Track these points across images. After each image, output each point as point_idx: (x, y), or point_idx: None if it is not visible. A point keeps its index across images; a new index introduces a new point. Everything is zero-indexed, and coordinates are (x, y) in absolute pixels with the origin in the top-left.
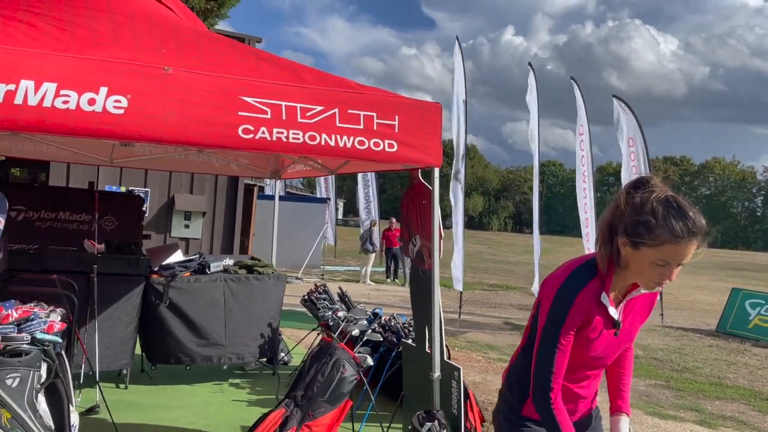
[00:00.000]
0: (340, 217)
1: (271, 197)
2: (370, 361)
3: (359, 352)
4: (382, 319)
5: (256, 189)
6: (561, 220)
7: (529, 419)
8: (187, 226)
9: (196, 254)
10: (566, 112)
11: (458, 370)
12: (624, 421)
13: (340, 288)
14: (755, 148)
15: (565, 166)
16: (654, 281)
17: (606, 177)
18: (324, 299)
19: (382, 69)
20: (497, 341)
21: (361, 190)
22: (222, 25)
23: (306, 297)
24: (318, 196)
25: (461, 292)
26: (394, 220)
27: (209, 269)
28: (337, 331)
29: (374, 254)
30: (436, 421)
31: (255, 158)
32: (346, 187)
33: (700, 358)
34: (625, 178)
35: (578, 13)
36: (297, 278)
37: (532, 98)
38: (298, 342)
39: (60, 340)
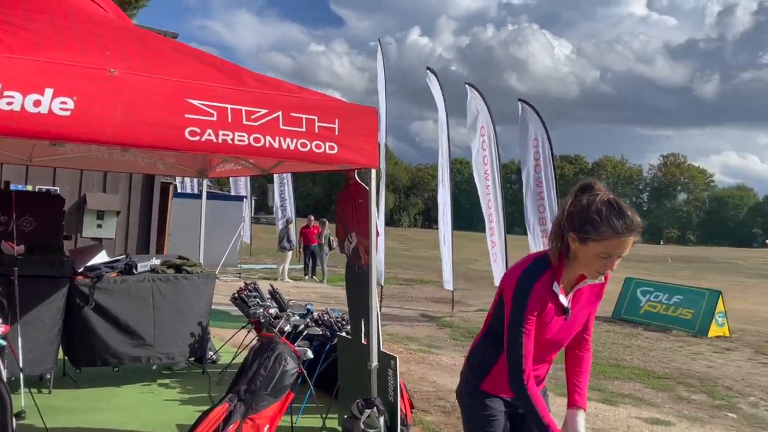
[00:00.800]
0: (251, 214)
1: (186, 195)
2: (310, 354)
3: (299, 346)
4: (315, 314)
5: (171, 187)
6: (467, 216)
7: (487, 393)
8: (99, 226)
9: (122, 254)
10: None
11: (394, 359)
12: (581, 415)
13: (271, 285)
14: (640, 148)
15: (472, 164)
16: (598, 271)
17: (509, 174)
18: (255, 297)
19: (290, 65)
20: (416, 333)
21: (277, 188)
22: (134, 20)
23: (236, 295)
24: (233, 194)
25: (381, 287)
26: (312, 217)
27: (136, 269)
28: (266, 328)
29: (291, 252)
30: (375, 407)
31: (182, 157)
32: (257, 185)
33: (600, 343)
34: (528, 176)
35: (480, 16)
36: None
37: (437, 99)
38: (227, 340)
39: (5, 343)
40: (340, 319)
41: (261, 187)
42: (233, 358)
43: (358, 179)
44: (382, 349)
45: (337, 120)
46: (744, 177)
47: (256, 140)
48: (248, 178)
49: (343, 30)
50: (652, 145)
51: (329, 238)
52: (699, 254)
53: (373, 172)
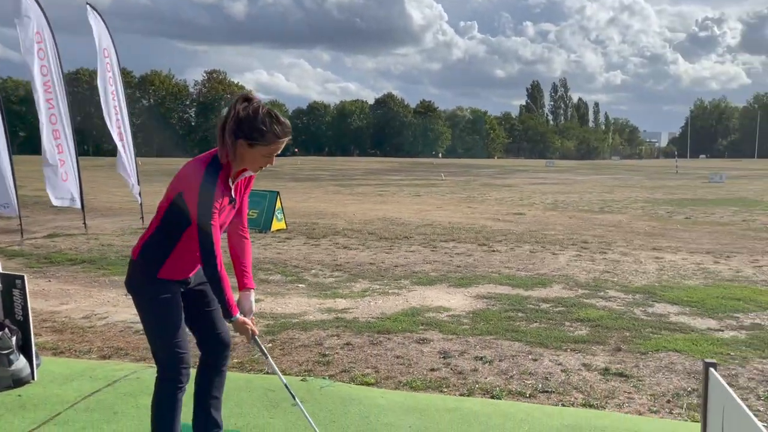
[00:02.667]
0: None
1: None
2: None
3: None
4: None
5: None
6: None
7: (164, 280)
8: None
9: None
10: None
11: (21, 278)
12: (252, 294)
13: None
14: (182, 63)
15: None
16: (261, 167)
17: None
18: None
19: None
20: None
21: None
22: None
23: None
24: None
25: None
26: None
27: None
28: None
29: None
30: (6, 329)
31: None
32: None
33: None
34: (101, 86)
35: None
36: None
37: None
38: None
39: None
40: None
41: None
42: None
43: None
44: (3, 271)
45: None
46: (275, 93)
47: None
48: None
49: None
50: (191, 60)
51: None
52: None
53: None
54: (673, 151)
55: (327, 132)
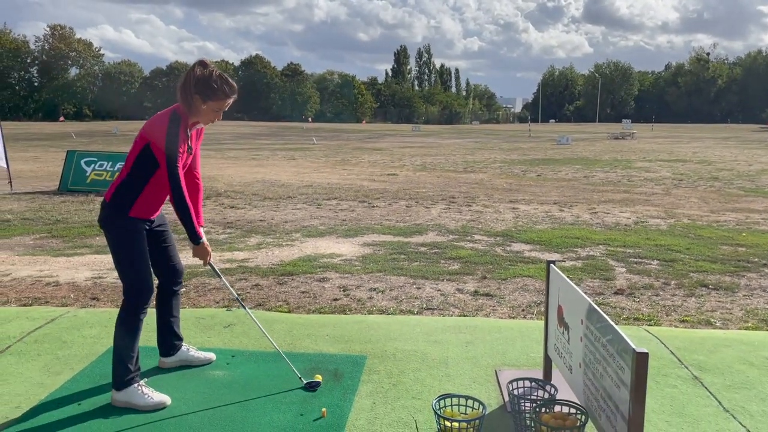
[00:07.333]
0: None
1: None
2: None
3: None
4: None
5: None
6: None
7: (135, 218)
8: None
9: None
10: None
11: None
12: (201, 229)
13: None
14: (14, 15)
15: None
16: (211, 120)
17: None
18: None
19: None
20: None
21: None
22: None
23: None
24: None
25: None
26: None
27: None
28: None
29: None
30: None
31: None
32: None
33: (64, 211)
34: None
35: None
36: None
37: None
38: None
39: None
40: None
41: None
42: None
43: None
44: None
45: None
46: (124, 52)
47: None
48: None
49: None
50: (23, 12)
51: None
52: (100, 128)
53: None
54: (527, 116)
55: None
